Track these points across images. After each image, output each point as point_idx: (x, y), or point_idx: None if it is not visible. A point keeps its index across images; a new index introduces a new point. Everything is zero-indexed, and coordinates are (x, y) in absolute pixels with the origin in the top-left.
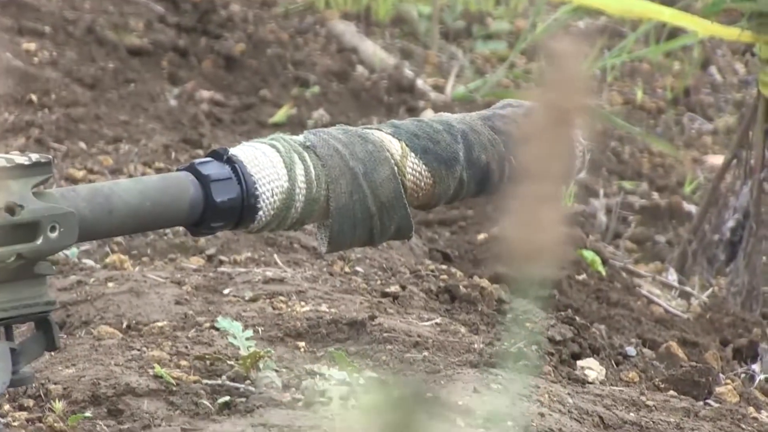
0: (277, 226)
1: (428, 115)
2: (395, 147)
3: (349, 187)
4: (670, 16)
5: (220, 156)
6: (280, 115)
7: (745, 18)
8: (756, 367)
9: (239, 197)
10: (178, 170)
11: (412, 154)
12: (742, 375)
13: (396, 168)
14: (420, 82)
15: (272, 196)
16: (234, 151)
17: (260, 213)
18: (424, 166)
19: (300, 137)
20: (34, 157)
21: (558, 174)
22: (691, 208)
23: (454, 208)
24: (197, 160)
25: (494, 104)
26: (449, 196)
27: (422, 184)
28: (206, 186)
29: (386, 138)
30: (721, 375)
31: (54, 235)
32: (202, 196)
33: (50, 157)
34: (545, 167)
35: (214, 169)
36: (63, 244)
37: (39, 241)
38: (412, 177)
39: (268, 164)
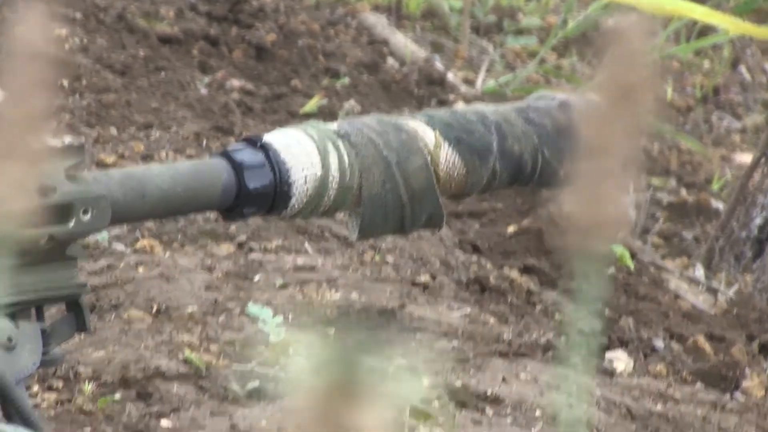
0: (309, 213)
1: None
2: (429, 136)
3: (382, 176)
4: (702, 14)
5: (253, 143)
6: (311, 105)
7: None
8: None
9: (272, 184)
10: (211, 156)
11: (446, 144)
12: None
13: (429, 158)
14: (450, 76)
15: (305, 183)
16: (268, 138)
17: (293, 200)
18: (457, 156)
19: (334, 125)
20: (67, 140)
21: (621, 150)
22: (719, 205)
23: (484, 200)
24: (230, 147)
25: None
26: (482, 186)
27: (455, 174)
28: (239, 172)
29: (420, 127)
30: (747, 369)
31: (86, 217)
32: (235, 183)
33: (83, 141)
34: (608, 143)
35: (247, 155)
36: (95, 227)
37: (71, 224)
38: (445, 167)
39: (302, 152)
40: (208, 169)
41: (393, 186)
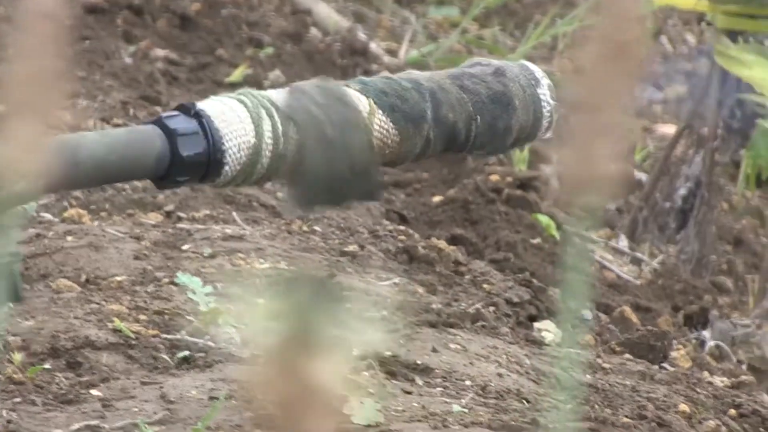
0: (242, 181)
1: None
2: (363, 104)
3: (325, 156)
4: None
5: (187, 110)
6: (237, 74)
7: None
8: (707, 333)
9: (206, 152)
10: (145, 124)
11: (380, 112)
12: (693, 341)
13: (368, 131)
14: (373, 46)
15: (239, 151)
16: (201, 105)
17: (226, 168)
18: (391, 124)
19: (281, 100)
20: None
21: (615, 106)
22: (642, 176)
23: (410, 169)
24: (164, 114)
25: (462, 65)
26: (415, 154)
27: (389, 141)
28: (173, 140)
29: (354, 94)
30: (673, 340)
31: (19, 185)
32: (169, 150)
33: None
34: (601, 100)
35: (181, 123)
36: (28, 195)
37: (2, 192)
38: (379, 134)
39: (236, 119)
40: (142, 137)
41: (335, 165)
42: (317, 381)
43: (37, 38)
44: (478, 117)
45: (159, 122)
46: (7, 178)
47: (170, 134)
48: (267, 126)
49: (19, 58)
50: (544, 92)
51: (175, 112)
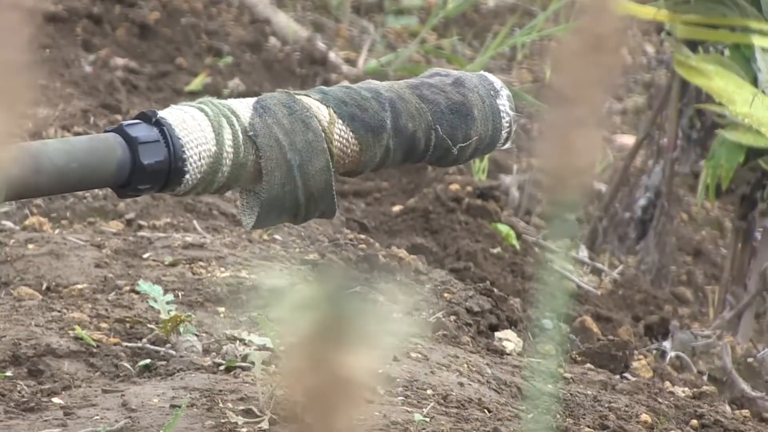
0: (203, 189)
1: None
2: (323, 113)
3: (283, 179)
4: None
5: (148, 118)
6: (196, 83)
7: None
8: (667, 343)
9: (166, 160)
10: (106, 131)
11: (340, 121)
12: (654, 351)
13: (329, 155)
14: (332, 55)
15: (199, 159)
16: (162, 113)
17: (187, 176)
18: (351, 134)
19: (246, 119)
20: None
21: (593, 99)
22: (601, 186)
23: (369, 179)
24: (126, 122)
25: (422, 74)
26: (375, 163)
27: (348, 151)
28: (134, 148)
29: (314, 104)
30: (634, 350)
31: None
32: (130, 158)
33: None
34: (580, 93)
35: (142, 131)
36: None
37: None
38: (338, 144)
39: (196, 128)
40: (103, 145)
41: (292, 188)
42: (347, 373)
43: (2, 30)
44: (438, 127)
45: (120, 130)
46: None
47: (131, 142)
48: (228, 135)
49: None
50: (504, 103)
51: (137, 120)
